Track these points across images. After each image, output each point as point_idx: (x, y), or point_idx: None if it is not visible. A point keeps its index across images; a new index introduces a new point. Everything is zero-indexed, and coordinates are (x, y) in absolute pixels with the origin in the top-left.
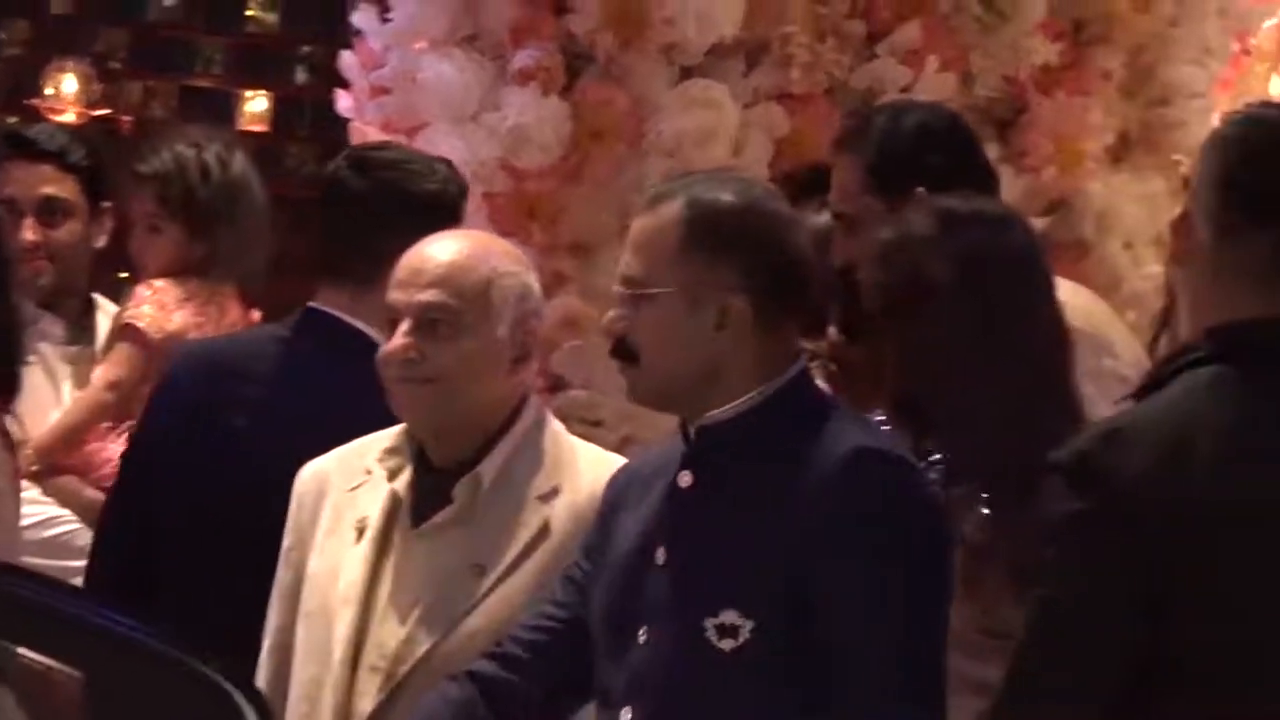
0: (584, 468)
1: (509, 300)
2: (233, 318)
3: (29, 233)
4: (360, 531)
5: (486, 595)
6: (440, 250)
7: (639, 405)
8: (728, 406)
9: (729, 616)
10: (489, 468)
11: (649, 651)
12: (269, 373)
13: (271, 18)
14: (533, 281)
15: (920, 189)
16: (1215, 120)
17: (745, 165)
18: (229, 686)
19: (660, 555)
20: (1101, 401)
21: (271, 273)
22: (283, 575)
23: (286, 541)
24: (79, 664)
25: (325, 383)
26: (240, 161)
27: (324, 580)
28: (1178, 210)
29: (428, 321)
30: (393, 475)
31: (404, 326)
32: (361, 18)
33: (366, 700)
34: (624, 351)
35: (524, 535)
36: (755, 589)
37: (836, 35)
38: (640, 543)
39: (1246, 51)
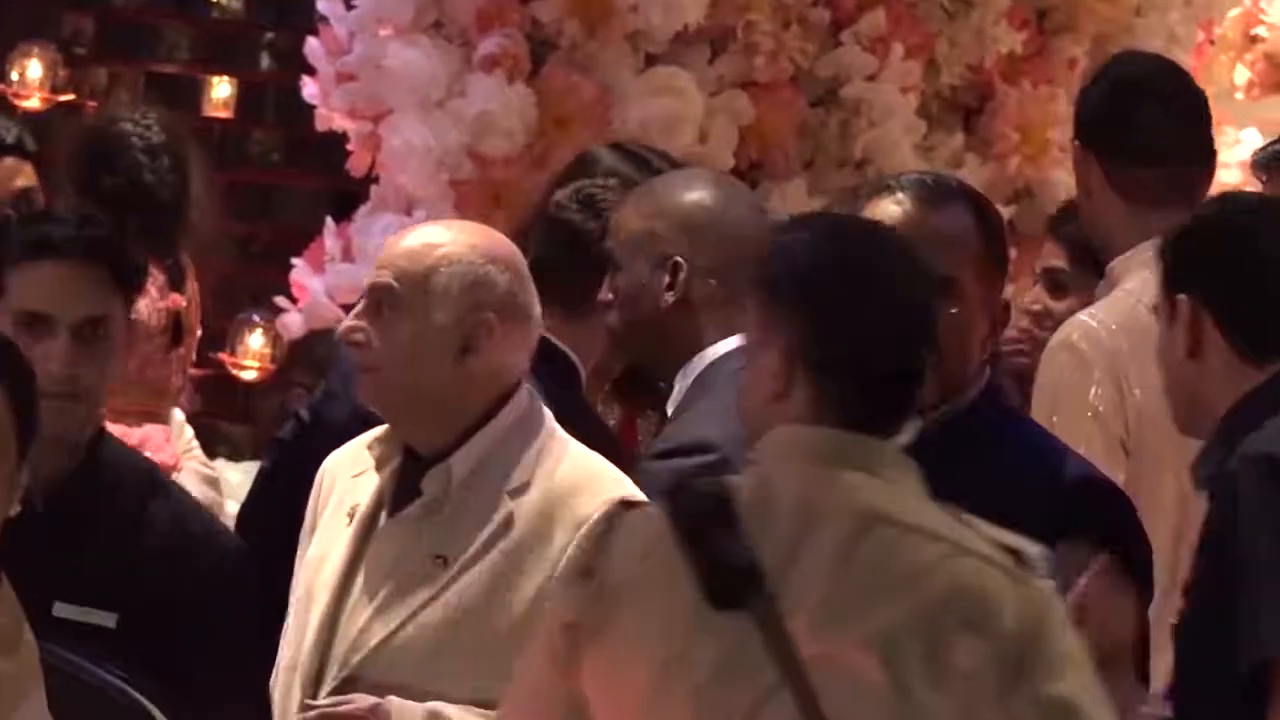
0: (563, 466)
1: (452, 288)
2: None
3: None
4: (351, 518)
5: (445, 587)
6: (408, 234)
7: None
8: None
9: None
10: (461, 459)
11: None
12: None
13: (236, 4)
14: (497, 275)
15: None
16: None
17: (710, 153)
18: (135, 694)
19: None
20: None
21: (237, 255)
22: (297, 563)
23: (303, 530)
24: None
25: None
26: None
27: (314, 565)
28: None
29: (374, 302)
30: (380, 464)
31: (357, 308)
32: (326, 4)
33: (325, 689)
34: None
35: (487, 528)
36: None
37: (801, 23)
38: None
39: (1211, 40)
